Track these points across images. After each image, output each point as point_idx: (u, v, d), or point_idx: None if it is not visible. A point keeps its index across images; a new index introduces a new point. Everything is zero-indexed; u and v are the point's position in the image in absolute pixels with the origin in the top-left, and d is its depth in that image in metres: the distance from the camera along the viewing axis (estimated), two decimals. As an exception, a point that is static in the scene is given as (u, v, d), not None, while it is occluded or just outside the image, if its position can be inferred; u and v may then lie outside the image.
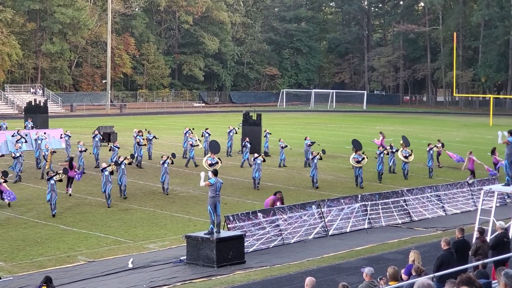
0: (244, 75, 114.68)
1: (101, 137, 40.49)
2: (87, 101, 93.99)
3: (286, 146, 39.78)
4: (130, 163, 30.08)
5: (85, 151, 35.82)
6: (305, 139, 40.56)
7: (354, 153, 33.78)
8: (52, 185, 25.81)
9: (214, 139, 38.88)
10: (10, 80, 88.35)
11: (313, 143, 40.04)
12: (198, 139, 40.50)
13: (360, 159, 33.06)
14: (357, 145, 35.00)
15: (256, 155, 32.86)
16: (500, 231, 16.67)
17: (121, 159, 29.35)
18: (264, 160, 32.88)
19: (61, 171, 27.40)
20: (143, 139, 39.40)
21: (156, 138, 41.06)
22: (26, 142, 38.68)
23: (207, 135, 42.98)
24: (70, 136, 41.44)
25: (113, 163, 28.81)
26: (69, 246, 21.92)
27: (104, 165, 28.35)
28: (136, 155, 37.35)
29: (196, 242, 19.90)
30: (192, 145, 39.13)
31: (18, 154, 33.42)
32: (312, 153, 33.55)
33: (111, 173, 27.78)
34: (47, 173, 26.83)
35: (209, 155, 31.80)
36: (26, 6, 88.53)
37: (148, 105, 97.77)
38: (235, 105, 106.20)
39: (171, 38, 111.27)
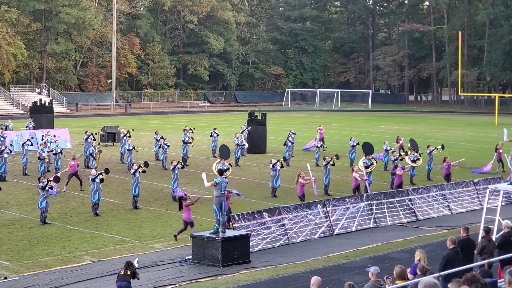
0: (249, 75, 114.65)
1: (93, 138, 40.39)
2: (92, 101, 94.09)
3: (358, 143, 38.78)
4: (144, 171, 28.51)
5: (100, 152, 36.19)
6: (350, 139, 40.15)
7: (364, 157, 32.02)
8: (47, 192, 25.15)
9: (224, 143, 38.59)
10: (15, 80, 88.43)
11: (357, 143, 38.94)
12: (245, 138, 40.45)
13: (369, 164, 31.39)
14: (367, 149, 33.58)
15: (274, 160, 30.96)
16: (507, 230, 16.65)
17: (135, 167, 27.97)
18: (282, 166, 31.10)
19: (52, 179, 26.39)
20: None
21: (163, 138, 41.07)
22: (32, 145, 38.55)
23: (215, 135, 42.88)
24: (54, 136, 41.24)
25: (104, 172, 27.57)
26: (75, 246, 21.95)
27: (94, 172, 26.91)
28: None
29: (201, 241, 19.91)
30: (238, 145, 39.27)
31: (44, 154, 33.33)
32: (325, 159, 31.96)
33: (101, 180, 26.63)
34: (39, 179, 25.95)
35: (218, 160, 29.90)
36: (31, 6, 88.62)
37: (153, 105, 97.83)
38: (240, 104, 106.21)
39: (176, 37, 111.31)
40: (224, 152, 31.04)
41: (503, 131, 38.83)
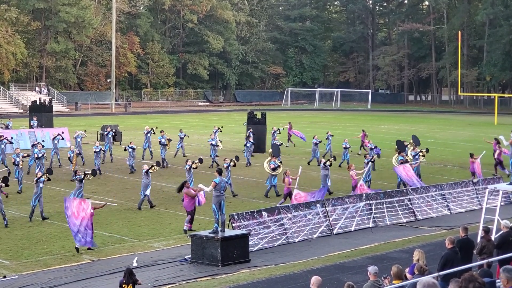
0: (248, 74, 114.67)
1: (114, 134, 40.86)
2: (92, 100, 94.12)
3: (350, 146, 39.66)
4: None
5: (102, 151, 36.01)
6: (344, 141, 40.34)
7: (397, 155, 32.38)
8: (40, 188, 25.29)
9: (274, 143, 38.65)
10: (15, 79, 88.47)
11: (320, 141, 40.11)
12: (220, 140, 40.27)
13: (404, 161, 31.65)
14: (400, 147, 34.10)
15: (323, 160, 31.37)
16: (506, 230, 16.66)
17: (145, 168, 27.66)
18: (331, 164, 31.00)
19: (89, 172, 26.95)
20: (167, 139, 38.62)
21: (187, 136, 41.10)
22: (63, 139, 38.26)
23: (252, 135, 42.90)
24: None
25: (155, 164, 28.08)
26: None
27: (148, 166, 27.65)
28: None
29: (200, 241, 19.93)
30: (213, 145, 38.87)
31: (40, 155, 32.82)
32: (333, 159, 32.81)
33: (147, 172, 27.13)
34: (75, 172, 26.70)
35: (269, 158, 31.13)
36: (30, 5, 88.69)
37: (152, 104, 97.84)
38: (239, 104, 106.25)
39: (176, 37, 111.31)
40: (275, 151, 32.70)
41: (499, 138, 38.78)
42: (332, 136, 43.39)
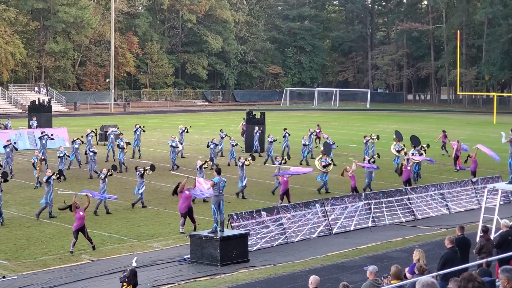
0: (247, 74, 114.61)
1: (143, 130, 41.60)
2: (91, 100, 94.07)
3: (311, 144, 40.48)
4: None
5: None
6: (302, 138, 40.50)
7: (412, 149, 33.71)
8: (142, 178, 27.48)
9: (326, 141, 38.89)
10: (14, 79, 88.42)
11: (274, 140, 39.96)
12: (180, 142, 39.46)
13: (419, 155, 33.31)
14: (415, 142, 35.17)
15: (367, 157, 32.33)
16: (505, 229, 16.66)
17: (199, 163, 28.93)
18: (374, 161, 32.00)
19: (148, 168, 28.41)
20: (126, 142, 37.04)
21: (228, 136, 41.17)
22: (82, 142, 37.92)
23: (288, 135, 42.71)
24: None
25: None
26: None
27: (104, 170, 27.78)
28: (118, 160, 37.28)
29: (200, 240, 19.94)
30: (172, 146, 37.21)
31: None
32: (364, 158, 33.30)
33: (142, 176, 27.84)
34: (136, 168, 28.36)
35: (321, 156, 32.14)
36: (29, 5, 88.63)
37: (151, 104, 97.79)
38: (238, 103, 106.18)
39: (175, 37, 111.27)
40: (327, 149, 34.86)
41: (500, 134, 38.89)
42: (376, 139, 42.93)
